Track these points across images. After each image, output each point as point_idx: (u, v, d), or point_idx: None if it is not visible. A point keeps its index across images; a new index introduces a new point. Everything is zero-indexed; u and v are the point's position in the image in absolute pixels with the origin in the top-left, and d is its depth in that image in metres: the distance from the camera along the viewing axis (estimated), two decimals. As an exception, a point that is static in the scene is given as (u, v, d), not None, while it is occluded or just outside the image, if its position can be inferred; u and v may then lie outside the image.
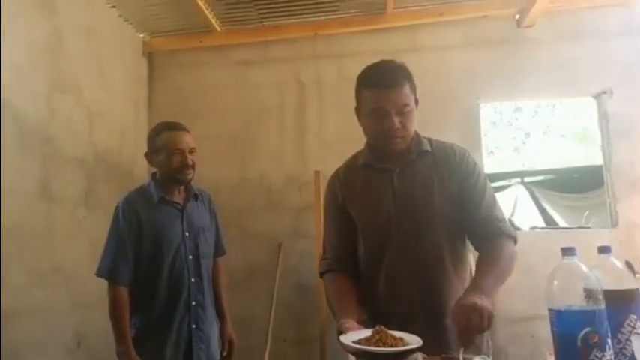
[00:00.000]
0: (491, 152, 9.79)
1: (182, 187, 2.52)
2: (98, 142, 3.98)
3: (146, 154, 2.52)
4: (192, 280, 2.42)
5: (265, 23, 4.65)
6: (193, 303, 2.42)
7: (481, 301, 1.31)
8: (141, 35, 4.78)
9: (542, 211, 6.70)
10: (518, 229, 5.11)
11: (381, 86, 1.56)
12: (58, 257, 3.42)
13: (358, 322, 1.46)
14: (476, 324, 1.27)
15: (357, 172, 1.72)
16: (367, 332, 1.34)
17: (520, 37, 4.46)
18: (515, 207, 6.75)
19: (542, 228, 5.45)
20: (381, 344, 1.27)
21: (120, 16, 4.43)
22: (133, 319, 2.38)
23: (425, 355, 1.31)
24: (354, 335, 1.33)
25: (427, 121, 4.22)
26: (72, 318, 3.52)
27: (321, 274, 1.74)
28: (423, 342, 1.29)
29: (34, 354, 3.18)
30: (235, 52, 4.83)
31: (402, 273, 1.59)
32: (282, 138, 4.69)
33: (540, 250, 3.85)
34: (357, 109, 1.68)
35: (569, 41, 4.37)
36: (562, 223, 6.21)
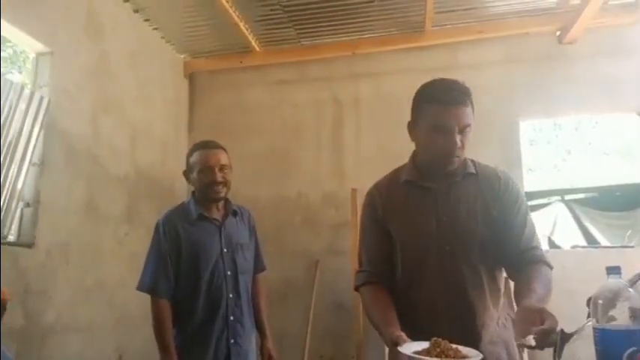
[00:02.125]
0: (530, 170, 9.61)
1: (221, 204, 2.54)
2: (140, 160, 4.10)
3: (184, 172, 2.58)
4: (230, 295, 2.44)
5: (303, 43, 4.72)
6: (231, 318, 2.43)
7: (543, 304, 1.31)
8: (182, 56, 4.92)
9: (584, 230, 6.52)
10: (559, 247, 4.99)
11: (447, 103, 1.54)
12: (101, 273, 3.53)
13: None
14: (551, 325, 1.26)
15: (400, 188, 1.69)
16: (424, 344, 1.32)
17: (561, 54, 4.41)
18: (555, 225, 6.59)
19: (583, 247, 5.31)
20: (443, 356, 1.26)
21: (162, 37, 4.58)
22: (174, 332, 2.42)
23: None
24: (412, 347, 1.31)
25: (465, 139, 4.25)
26: (114, 332, 3.61)
27: (357, 287, 1.72)
28: None
29: (77, 368, 3.27)
30: (274, 72, 4.91)
31: (440, 294, 1.57)
32: (320, 156, 4.73)
33: (581, 269, 3.75)
34: (413, 124, 1.65)
35: (611, 57, 4.29)
36: (604, 242, 6.03)
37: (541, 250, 1.61)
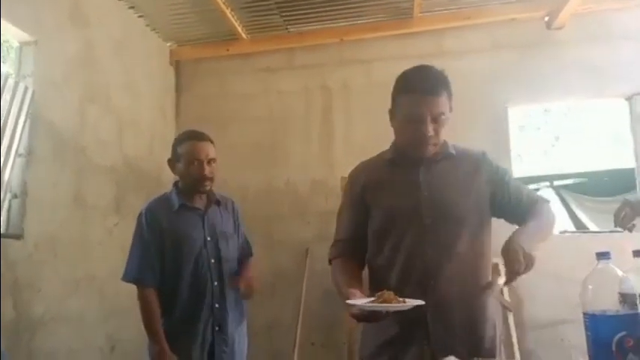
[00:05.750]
0: (519, 156, 9.65)
1: (204, 194, 2.57)
2: (128, 150, 4.07)
3: (169, 161, 2.58)
4: (215, 283, 2.47)
5: (291, 30, 4.69)
6: (217, 306, 2.46)
7: (527, 246, 1.41)
8: (168, 44, 4.87)
9: (572, 215, 6.59)
10: (548, 233, 5.02)
11: (419, 92, 1.58)
12: (91, 265, 3.51)
13: None
14: (521, 267, 1.37)
15: (384, 166, 1.76)
16: (372, 298, 1.41)
17: (549, 40, 4.41)
18: (545, 211, 6.65)
19: (572, 232, 5.36)
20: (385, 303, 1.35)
21: (147, 25, 4.52)
22: (161, 321, 2.43)
23: (456, 358, 1.32)
24: (361, 301, 1.40)
25: (454, 126, 4.21)
26: (105, 324, 3.60)
27: (330, 261, 1.81)
28: (434, 329, 1.48)
29: (70, 359, 3.25)
30: (261, 60, 4.87)
31: (419, 263, 1.61)
32: (309, 144, 4.72)
33: (570, 255, 3.79)
34: (392, 112, 1.70)
35: (600, 42, 4.30)
36: (592, 227, 6.09)
37: (539, 195, 1.80)
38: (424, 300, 1.45)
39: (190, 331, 2.42)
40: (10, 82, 3.00)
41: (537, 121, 11.13)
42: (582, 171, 8.02)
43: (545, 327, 3.98)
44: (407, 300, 1.38)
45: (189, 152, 2.47)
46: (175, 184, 2.58)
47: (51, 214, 3.22)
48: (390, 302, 1.34)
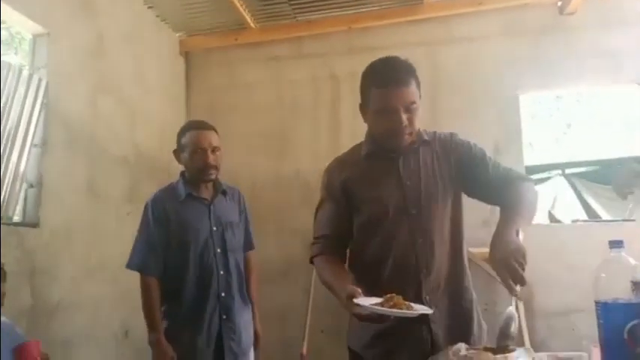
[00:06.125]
0: (531, 144, 9.56)
1: (210, 184, 2.60)
2: (139, 140, 4.10)
3: (174, 152, 2.61)
4: (221, 272, 2.51)
5: (299, 18, 4.67)
6: (223, 294, 2.50)
7: (517, 240, 1.38)
8: (178, 34, 4.87)
9: (584, 204, 6.53)
10: (559, 221, 5.01)
11: (389, 85, 1.59)
12: (105, 252, 3.55)
13: None
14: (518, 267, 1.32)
15: (361, 161, 1.76)
16: (378, 300, 1.39)
17: (562, 25, 4.35)
18: (556, 200, 6.61)
19: (584, 221, 5.33)
20: (396, 308, 1.34)
21: (157, 16, 4.53)
22: (162, 309, 2.49)
23: (467, 346, 1.34)
24: (366, 301, 1.38)
25: (464, 113, 4.26)
26: (119, 310, 3.65)
27: (312, 259, 1.80)
28: (432, 316, 1.47)
29: (84, 344, 3.33)
30: (270, 49, 4.87)
31: (412, 255, 1.63)
32: (317, 133, 4.71)
33: (582, 243, 3.78)
34: (363, 107, 1.72)
35: (613, 27, 4.24)
36: (605, 216, 6.05)
37: (513, 170, 1.75)
38: (419, 289, 1.54)
39: (197, 320, 2.46)
40: (25, 73, 3.03)
41: (549, 108, 11.02)
42: (595, 159, 7.94)
43: (557, 315, 3.98)
44: (414, 306, 1.39)
45: (192, 141, 2.50)
46: (182, 174, 2.62)
47: (66, 203, 3.27)
48: (400, 306, 1.35)
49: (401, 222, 1.65)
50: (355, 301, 1.37)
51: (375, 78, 1.64)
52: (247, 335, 2.61)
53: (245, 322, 2.61)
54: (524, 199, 1.58)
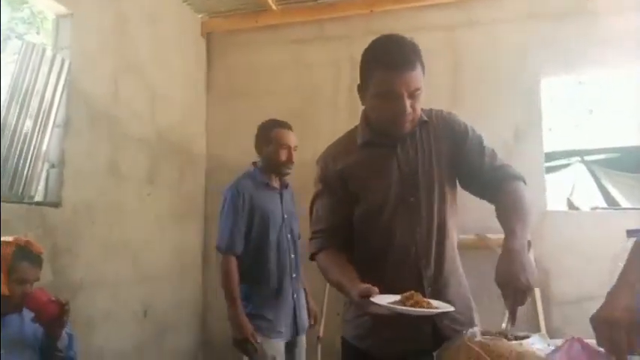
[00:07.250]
0: (551, 129, 9.43)
1: (278, 177, 2.90)
2: (160, 122, 4.14)
3: (256, 145, 2.88)
4: (292, 256, 2.82)
5: (320, 1, 4.64)
6: (294, 275, 2.81)
7: (527, 259, 1.30)
8: (199, 16, 4.87)
9: (604, 191, 6.47)
10: (578, 208, 4.97)
11: (393, 67, 1.49)
12: (126, 232, 3.62)
13: None
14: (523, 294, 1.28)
15: (357, 150, 1.69)
16: (395, 297, 1.35)
17: (585, 9, 4.25)
18: (575, 187, 6.55)
19: (603, 208, 5.27)
20: (417, 306, 1.30)
21: (179, -4, 4.53)
22: (241, 288, 2.72)
23: (482, 330, 1.34)
24: (383, 299, 1.33)
25: (485, 98, 4.22)
26: (139, 289, 3.73)
27: (313, 256, 1.70)
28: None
29: (105, 322, 3.41)
30: (290, 31, 4.85)
31: (412, 245, 1.59)
32: (337, 117, 4.69)
33: (601, 231, 3.75)
34: (361, 88, 1.64)
35: (636, 11, 4.15)
36: (624, 204, 5.98)
37: (508, 166, 1.64)
38: (422, 282, 1.54)
39: (279, 299, 2.73)
40: (49, 53, 3.07)
41: (571, 93, 10.85)
42: (615, 146, 7.83)
43: (572, 303, 3.97)
44: (433, 303, 1.35)
45: (281, 138, 2.84)
46: (254, 164, 2.91)
47: (87, 183, 3.32)
48: (421, 305, 1.31)
49: (400, 211, 1.59)
50: (372, 299, 1.31)
51: (379, 59, 1.54)
52: (305, 314, 2.92)
53: (303, 301, 2.93)
54: (525, 204, 1.49)
